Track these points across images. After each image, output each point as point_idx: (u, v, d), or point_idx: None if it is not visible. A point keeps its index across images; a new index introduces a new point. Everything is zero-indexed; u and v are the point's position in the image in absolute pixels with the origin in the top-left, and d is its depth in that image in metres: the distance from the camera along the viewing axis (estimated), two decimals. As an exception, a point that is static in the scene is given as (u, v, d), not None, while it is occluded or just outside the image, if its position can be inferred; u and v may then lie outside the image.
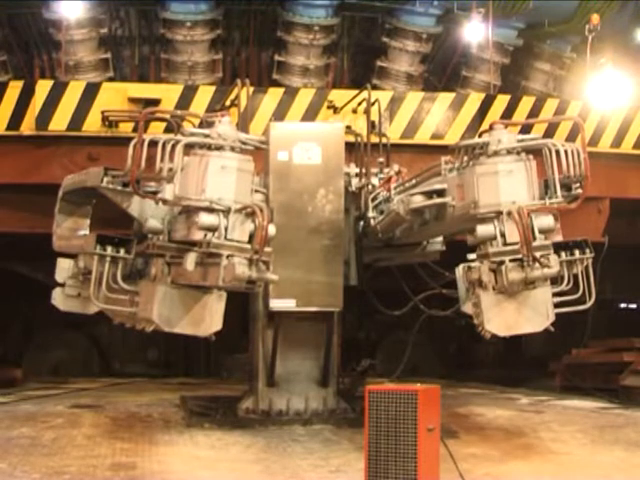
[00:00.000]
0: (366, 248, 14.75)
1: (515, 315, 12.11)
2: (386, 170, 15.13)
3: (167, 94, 17.38)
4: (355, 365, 15.38)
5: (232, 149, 12.46)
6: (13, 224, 17.35)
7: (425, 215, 13.13)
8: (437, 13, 20.90)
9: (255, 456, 12.53)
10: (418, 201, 12.95)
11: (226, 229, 11.99)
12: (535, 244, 11.75)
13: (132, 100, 17.14)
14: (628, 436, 14.27)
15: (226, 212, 12.09)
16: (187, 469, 11.88)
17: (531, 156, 12.22)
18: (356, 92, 17.46)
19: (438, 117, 17.85)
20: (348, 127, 15.70)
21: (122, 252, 12.85)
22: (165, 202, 12.28)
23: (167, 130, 14.10)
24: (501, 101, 18.43)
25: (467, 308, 12.49)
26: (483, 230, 12.00)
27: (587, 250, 12.57)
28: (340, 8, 20.49)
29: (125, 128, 16.36)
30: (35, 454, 12.46)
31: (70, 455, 12.46)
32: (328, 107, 17.47)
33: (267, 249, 12.23)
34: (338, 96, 17.67)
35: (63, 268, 13.88)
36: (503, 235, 11.86)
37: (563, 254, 12.30)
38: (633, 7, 23.41)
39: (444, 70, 21.85)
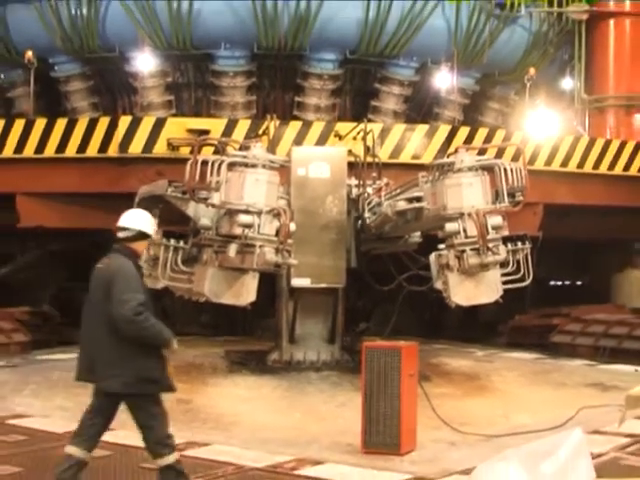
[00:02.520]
0: (363, 240, 14.68)
1: (474, 290, 12.12)
2: (378, 182, 15.06)
3: (215, 126, 17.30)
4: (355, 327, 15.33)
5: (263, 167, 12.45)
6: (102, 222, 17.28)
7: (407, 216, 13.06)
8: (416, 66, 20.85)
9: (280, 394, 12.49)
10: (402, 205, 12.91)
11: (259, 226, 12.03)
12: (488, 237, 11.77)
13: (189, 130, 17.04)
14: (555, 379, 14.30)
15: (259, 213, 12.09)
16: (230, 404, 11.85)
17: (486, 172, 12.20)
18: (355, 124, 17.36)
19: (416, 143, 17.72)
20: (349, 150, 15.59)
21: (182, 243, 12.91)
22: (214, 206, 12.27)
23: (215, 153, 14.01)
24: (463, 131, 18.31)
25: (438, 285, 12.49)
26: (450, 227, 12.01)
27: (526, 242, 12.58)
28: (344, 62, 20.42)
29: (184, 151, 16.27)
30: (118, 392, 12.41)
31: (144, 393, 12.41)
32: (335, 135, 17.35)
33: (289, 241, 12.24)
34: (342, 127, 17.55)
35: (138, 255, 13.83)
36: (465, 230, 11.89)
37: (509, 245, 12.29)
38: (559, 63, 23.56)
39: (421, 108, 21.76)
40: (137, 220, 7.43)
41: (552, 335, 17.98)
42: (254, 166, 12.46)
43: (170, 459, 6.97)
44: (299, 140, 17.05)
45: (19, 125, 17.75)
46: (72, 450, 7.06)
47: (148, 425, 7.07)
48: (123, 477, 7.90)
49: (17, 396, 11.98)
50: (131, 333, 6.93)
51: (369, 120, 18.50)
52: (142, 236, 7.38)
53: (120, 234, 7.34)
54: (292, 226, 12.47)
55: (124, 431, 9.84)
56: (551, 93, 23.31)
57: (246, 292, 12.44)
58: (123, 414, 10.90)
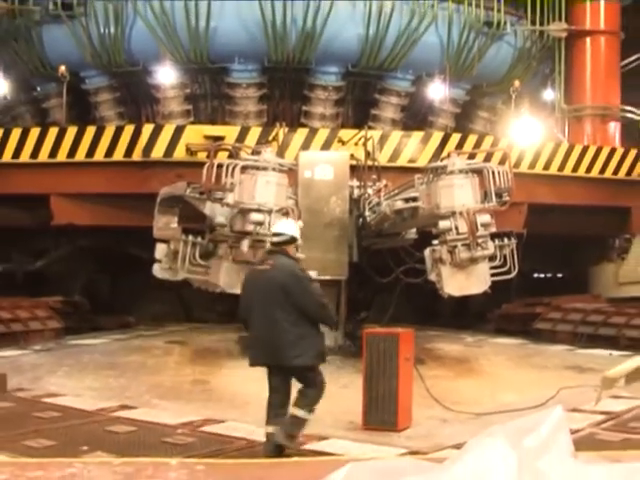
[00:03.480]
0: (364, 236, 14.65)
1: (464, 282, 12.12)
2: (377, 184, 15.04)
3: (229, 133, 17.30)
4: (356, 315, 15.28)
5: (273, 170, 12.47)
6: (128, 220, 17.30)
7: (404, 214, 13.06)
8: (411, 78, 20.83)
9: (289, 376, 12.44)
10: (399, 205, 12.91)
11: (269, 223, 11.99)
12: (478, 234, 11.76)
13: (206, 137, 17.04)
14: (537, 362, 14.27)
15: (269, 212, 12.11)
16: (243, 384, 11.80)
17: (475, 175, 12.18)
18: (357, 131, 17.36)
19: (412, 148, 17.70)
20: (352, 155, 15.56)
21: (199, 239, 12.88)
22: (228, 205, 12.30)
23: (229, 157, 14.01)
24: (455, 137, 18.28)
25: (432, 277, 12.50)
26: (443, 224, 12.01)
27: (512, 238, 12.61)
28: (346, 75, 20.40)
29: (201, 156, 16.25)
30: (142, 373, 12.46)
31: (165, 374, 12.45)
32: (338, 141, 17.33)
33: (297, 237, 12.17)
34: (345, 134, 17.53)
35: (160, 249, 13.82)
36: (457, 228, 11.90)
37: (496, 240, 12.29)
38: (541, 76, 23.63)
39: (416, 116, 21.71)
40: (289, 227, 8.31)
41: (535, 322, 17.94)
42: (265, 169, 12.48)
43: (305, 415, 7.92)
44: (306, 145, 17.04)
45: (53, 132, 17.81)
46: (271, 429, 7.89)
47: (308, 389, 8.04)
48: (147, 451, 7.88)
49: (52, 377, 12.00)
50: (321, 315, 7.96)
51: (369, 127, 18.48)
52: (293, 240, 8.17)
53: (276, 239, 8.21)
54: (299, 224, 12.46)
55: (147, 409, 9.89)
56: (534, 103, 23.38)
57: (258, 283, 12.43)
58: (146, 394, 10.93)
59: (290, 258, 8.05)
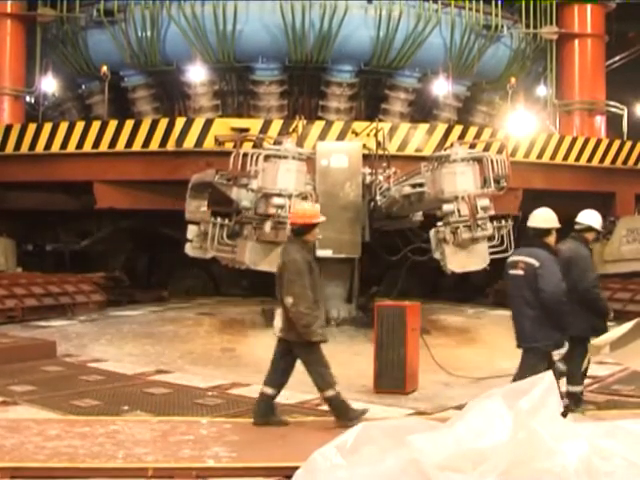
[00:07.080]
0: (375, 219, 14.58)
1: (466, 259, 12.07)
2: (387, 171, 14.98)
3: (254, 125, 17.27)
4: (368, 290, 15.26)
5: (293, 158, 12.41)
6: (162, 204, 17.31)
7: (411, 198, 13.00)
8: (418, 75, 20.79)
9: (307, 344, 12.43)
10: (407, 190, 12.85)
11: (289, 207, 11.98)
12: (478, 216, 11.71)
13: (233, 129, 17.02)
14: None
15: (289, 196, 12.08)
16: (266, 352, 11.70)
17: (476, 163, 12.11)
18: (369, 123, 17.29)
19: (419, 138, 17.63)
20: (364, 145, 15.49)
21: (226, 221, 12.87)
22: (252, 190, 12.29)
23: (254, 147, 13.98)
24: (457, 129, 18.20)
25: (436, 255, 12.45)
26: (447, 207, 11.97)
27: (509, 220, 12.49)
28: (359, 73, 20.37)
29: (228, 146, 16.22)
30: (176, 341, 12.48)
31: (196, 342, 12.46)
32: (352, 133, 17.27)
33: (315, 219, 12.14)
34: (358, 126, 17.47)
35: (191, 230, 13.83)
36: (459, 210, 11.83)
37: (495, 222, 12.22)
38: (535, 74, 23.60)
39: (422, 110, 21.64)
40: (589, 218, 8.29)
41: (529, 296, 17.86)
42: (286, 158, 12.45)
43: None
44: (322, 136, 16.99)
45: (96, 126, 17.85)
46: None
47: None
48: (180, 411, 7.91)
49: (95, 344, 12.05)
50: (587, 299, 7.81)
51: (380, 120, 18.38)
52: (590, 229, 8.25)
53: (576, 226, 8.31)
54: (317, 207, 12.42)
55: (181, 373, 9.92)
56: (528, 98, 23.33)
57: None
58: (180, 360, 10.92)
59: (583, 244, 8.17)
